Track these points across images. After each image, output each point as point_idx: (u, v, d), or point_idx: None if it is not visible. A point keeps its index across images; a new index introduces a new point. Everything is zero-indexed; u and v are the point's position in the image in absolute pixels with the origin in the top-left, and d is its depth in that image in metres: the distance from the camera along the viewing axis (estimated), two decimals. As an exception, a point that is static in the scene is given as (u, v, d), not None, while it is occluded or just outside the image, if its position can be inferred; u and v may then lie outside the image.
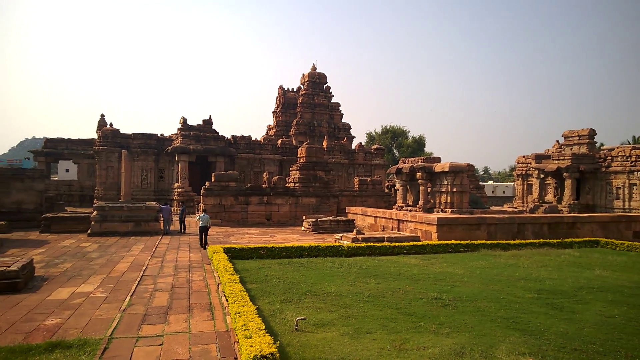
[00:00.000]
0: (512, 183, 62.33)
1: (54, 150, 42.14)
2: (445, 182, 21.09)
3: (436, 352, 6.43)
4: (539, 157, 35.78)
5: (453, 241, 16.89)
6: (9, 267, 10.28)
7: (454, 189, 20.73)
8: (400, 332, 7.26)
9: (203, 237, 17.47)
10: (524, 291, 10.37)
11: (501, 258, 15.03)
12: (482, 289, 10.55)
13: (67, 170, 62.77)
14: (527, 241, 17.97)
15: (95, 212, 21.25)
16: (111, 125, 39.60)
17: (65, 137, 43.24)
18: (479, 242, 17.17)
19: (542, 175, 34.35)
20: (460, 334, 7.28)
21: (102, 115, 41.61)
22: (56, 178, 54.22)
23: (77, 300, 9.34)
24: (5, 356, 6.05)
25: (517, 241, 17.81)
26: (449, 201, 20.96)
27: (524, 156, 39.01)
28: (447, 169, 20.71)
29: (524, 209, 31.45)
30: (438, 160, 23.34)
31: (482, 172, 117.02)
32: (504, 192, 65.71)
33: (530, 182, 37.69)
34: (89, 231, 20.56)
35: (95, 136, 40.25)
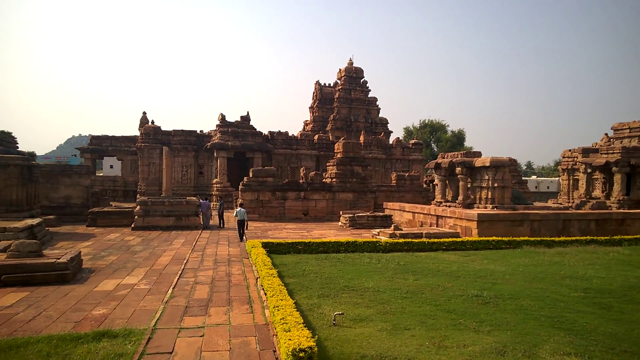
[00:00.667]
0: (557, 178, 60.39)
1: (99, 147, 43.62)
2: (486, 177, 20.61)
3: (477, 350, 6.31)
4: (586, 151, 34.47)
5: (494, 238, 16.51)
6: (59, 259, 10.73)
7: (495, 184, 20.24)
8: (439, 329, 7.16)
9: (241, 231, 18.19)
10: (570, 290, 10.03)
11: (545, 255, 14.59)
12: (524, 286, 10.27)
13: (111, 167, 64.93)
14: (573, 238, 17.36)
15: (138, 207, 21.89)
16: (153, 122, 40.64)
17: (110, 135, 44.66)
18: (522, 238, 16.72)
19: (589, 170, 33.08)
20: (501, 332, 7.12)
21: (144, 113, 42.73)
22: (101, 174, 56.15)
23: (122, 291, 9.66)
24: (56, 344, 6.32)
25: (562, 238, 17.24)
26: (489, 197, 20.49)
27: (570, 150, 37.69)
28: (488, 164, 20.23)
29: (570, 205, 30.40)
30: (478, 154, 22.82)
31: (524, 167, 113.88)
32: (548, 187, 63.70)
33: (576, 177, 36.39)
34: (132, 225, 21.21)
35: (138, 133, 41.42)
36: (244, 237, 17.99)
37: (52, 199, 25.14)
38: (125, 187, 42.54)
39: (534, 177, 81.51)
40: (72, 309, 8.31)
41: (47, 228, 18.26)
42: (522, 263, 13.18)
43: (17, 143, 31.07)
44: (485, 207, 20.35)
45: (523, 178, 42.85)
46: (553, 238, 17.13)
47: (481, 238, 16.57)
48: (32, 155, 41.75)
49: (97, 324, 7.44)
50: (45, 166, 26.18)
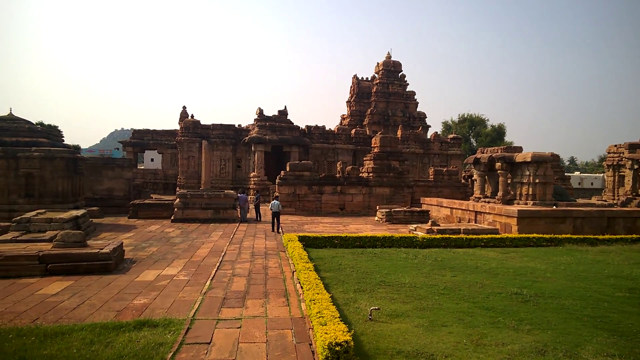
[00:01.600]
0: (602, 174, 58.10)
1: (140, 140, 44.79)
2: (527, 173, 20.03)
3: (516, 349, 6.15)
4: (633, 146, 32.97)
5: (535, 235, 16.05)
6: (102, 249, 11.08)
7: (537, 180, 19.65)
8: (477, 327, 7.02)
9: (275, 221, 19.00)
10: (614, 289, 9.65)
11: (588, 254, 14.08)
12: (566, 285, 9.94)
13: (152, 160, 66.56)
14: (618, 236, 16.68)
15: (177, 199, 22.38)
16: (192, 116, 41.39)
17: (151, 129, 45.76)
18: (564, 236, 16.19)
19: (636, 166, 31.68)
20: (542, 331, 6.91)
21: (184, 107, 43.55)
22: (142, 167, 57.69)
23: (162, 282, 9.90)
24: (99, 331, 6.53)
25: (606, 236, 16.58)
26: (530, 193, 19.91)
27: (615, 145, 36.13)
28: (529, 159, 19.65)
29: (615, 202, 29.21)
30: (519, 149, 22.22)
31: (567, 163, 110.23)
32: (592, 183, 61.40)
33: (622, 173, 34.89)
34: (172, 217, 21.72)
35: (178, 127, 42.28)
36: (279, 228, 18.60)
37: (95, 191, 26.03)
38: (165, 180, 43.59)
39: (577, 173, 78.78)
40: (114, 298, 8.57)
41: (90, 219, 18.91)
42: (564, 261, 12.76)
43: (63, 137, 32.25)
44: (526, 204, 19.81)
45: (566, 174, 41.41)
46: (597, 236, 16.51)
47: (521, 235, 16.14)
48: (77, 148, 43.30)
49: (138, 314, 7.64)
50: (90, 159, 27.10)
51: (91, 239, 14.61)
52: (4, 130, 25.81)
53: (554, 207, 19.11)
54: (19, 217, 15.25)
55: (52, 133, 30.38)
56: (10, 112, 28.27)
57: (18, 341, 6.07)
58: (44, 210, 17.02)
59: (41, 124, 54.18)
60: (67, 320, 7.24)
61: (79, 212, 17.25)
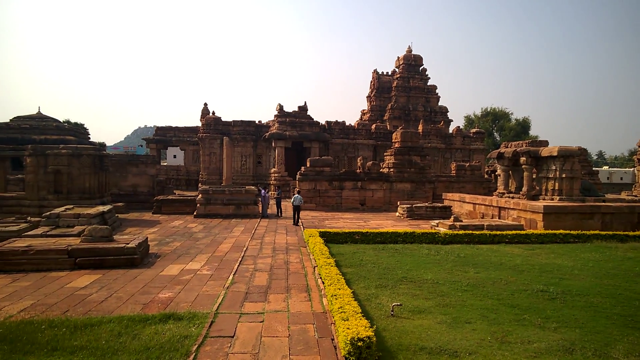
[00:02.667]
0: (632, 169, 56.66)
1: (163, 137, 45.43)
2: (553, 168, 19.65)
3: (542, 347, 6.07)
4: (663, 140, 32.07)
5: (561, 231, 15.75)
6: (128, 244, 11.30)
7: (563, 175, 19.26)
8: (502, 324, 6.94)
9: (296, 215, 20.13)
10: (645, 287, 9.42)
11: (618, 250, 13.77)
12: (594, 283, 9.75)
13: (174, 156, 67.48)
14: (649, 233, 16.26)
15: (200, 195, 22.64)
16: (214, 113, 41.76)
17: (173, 126, 46.38)
18: (592, 232, 15.84)
19: (666, 160, 30.81)
20: (569, 329, 6.80)
21: (206, 104, 43.95)
22: (165, 163, 58.51)
23: (186, 276, 10.05)
24: (126, 324, 6.68)
25: (637, 232, 16.16)
26: (556, 188, 19.54)
27: (645, 139, 35.20)
28: (555, 153, 19.27)
29: (644, 197, 28.46)
30: (545, 144, 21.79)
31: (595, 157, 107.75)
32: (621, 178, 59.86)
33: (652, 168, 33.99)
34: (194, 213, 22.00)
35: (200, 124, 42.72)
36: (299, 221, 19.75)
37: (120, 187, 26.51)
38: (187, 176, 44.15)
39: (605, 167, 76.94)
40: (140, 292, 8.74)
41: (116, 214, 19.29)
42: (592, 258, 12.51)
43: (89, 134, 32.93)
44: (552, 199, 19.45)
45: (594, 169, 40.54)
46: (627, 232, 16.11)
47: (547, 231, 15.86)
48: (102, 145, 44.13)
49: (163, 307, 7.78)
50: (115, 156, 27.63)
51: (117, 234, 14.91)
52: (33, 129, 26.45)
53: (582, 202, 18.72)
54: (48, 213, 15.64)
55: (78, 131, 31.04)
56: (39, 111, 28.94)
57: (50, 332, 6.24)
58: (72, 206, 17.41)
59: (68, 122, 55.33)
60: (96, 312, 7.42)
61: (106, 208, 17.59)
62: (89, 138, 31.39)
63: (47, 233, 13.46)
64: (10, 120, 27.77)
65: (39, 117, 28.00)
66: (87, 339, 6.08)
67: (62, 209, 16.43)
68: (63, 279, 9.65)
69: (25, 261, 10.39)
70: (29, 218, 16.83)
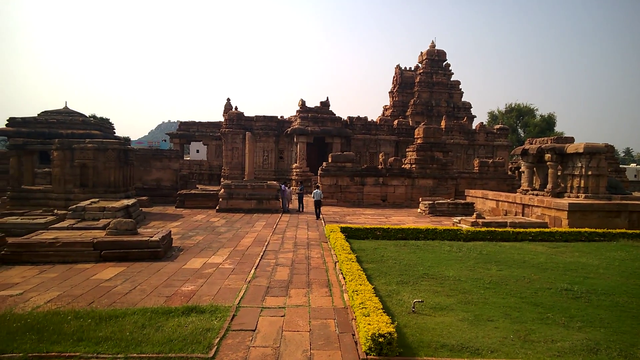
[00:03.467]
0: (660, 166, 55.10)
1: (186, 132, 45.92)
2: (579, 165, 19.24)
3: (566, 347, 5.97)
4: (695, 137, 31.11)
5: (586, 229, 15.44)
6: (152, 237, 11.49)
7: (589, 172, 18.85)
8: (525, 322, 6.85)
9: (317, 209, 20.84)
10: (674, 288, 9.17)
11: (645, 249, 13.43)
12: (621, 282, 9.53)
13: (197, 151, 68.27)
14: (678, 232, 15.81)
15: (222, 190, 22.85)
16: (236, 108, 42.02)
17: (196, 121, 46.82)
18: (618, 231, 15.50)
19: (699, 158, 29.89)
20: (594, 329, 6.67)
21: (228, 99, 44.25)
22: (188, 158, 59.19)
23: (208, 270, 10.17)
24: (150, 316, 6.79)
25: (665, 231, 15.76)
26: (582, 185, 19.14)
27: (676, 136, 34.23)
28: (581, 150, 18.86)
29: (675, 195, 27.66)
30: (570, 140, 21.36)
31: (622, 154, 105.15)
32: (649, 176, 58.32)
33: (683, 166, 33.02)
34: (217, 207, 22.22)
35: (222, 119, 43.05)
36: (321, 215, 20.55)
37: (144, 181, 26.93)
38: (210, 170, 44.59)
39: (633, 165, 75.00)
40: (163, 285, 8.87)
41: (140, 208, 19.59)
42: (619, 257, 12.23)
43: (114, 129, 33.48)
44: (577, 197, 19.06)
45: (621, 166, 39.49)
46: (655, 231, 15.69)
47: (572, 229, 15.56)
48: (127, 140, 44.83)
49: (186, 300, 7.89)
50: (139, 150, 28.05)
51: (141, 227, 15.16)
52: (60, 123, 27.02)
53: (608, 200, 18.31)
54: (74, 206, 15.99)
55: (104, 125, 31.57)
56: (66, 106, 29.54)
57: (76, 323, 6.39)
58: (97, 199, 17.77)
59: (94, 116, 56.40)
60: (120, 304, 7.56)
61: (130, 202, 17.90)
62: (114, 132, 31.92)
63: (73, 226, 13.77)
64: (38, 114, 28.42)
65: (66, 112, 28.59)
66: (111, 330, 6.20)
67: (88, 202, 16.77)
68: (88, 270, 9.87)
69: (52, 253, 10.65)
70: (55, 211, 17.23)
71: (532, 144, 22.81)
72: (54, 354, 5.52)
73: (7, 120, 27.80)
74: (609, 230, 15.54)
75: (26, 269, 9.91)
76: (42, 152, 27.34)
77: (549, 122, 68.43)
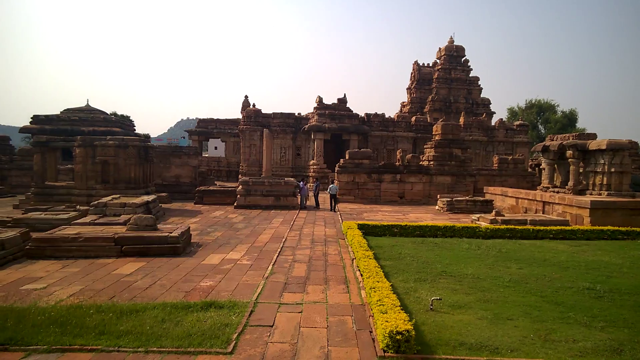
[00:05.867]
0: (686, 163, 53.74)
1: (205, 129, 46.27)
2: (602, 162, 18.87)
3: (588, 346, 5.87)
4: None
5: (609, 227, 15.14)
6: (171, 233, 11.62)
7: (612, 169, 18.48)
8: (545, 322, 6.76)
9: (332, 202, 22.43)
10: (701, 288, 8.95)
11: (670, 248, 13.13)
12: (645, 281, 9.34)
13: (215, 148, 68.69)
14: None
15: (240, 186, 23.00)
16: (254, 105, 42.18)
17: (215, 118, 47.14)
18: (642, 229, 15.16)
19: None
20: (617, 329, 6.55)
21: (246, 97, 44.44)
22: (207, 155, 59.61)
23: (226, 265, 10.25)
24: (169, 310, 6.88)
25: (691, 230, 15.37)
26: (605, 183, 18.77)
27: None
28: (604, 147, 18.50)
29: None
30: (593, 136, 20.94)
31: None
32: (674, 173, 56.91)
33: None
34: (235, 203, 22.37)
35: (240, 116, 43.26)
36: (336, 208, 21.82)
37: (164, 177, 27.23)
38: (228, 167, 44.87)
39: (658, 161, 73.16)
40: (182, 280, 8.98)
41: (160, 204, 19.82)
42: (643, 256, 11.97)
43: (135, 126, 33.87)
44: (600, 194, 18.71)
45: (645, 163, 38.65)
46: (681, 230, 15.32)
47: (594, 227, 15.28)
48: (147, 137, 45.36)
49: (205, 295, 7.97)
50: (159, 147, 28.37)
51: (161, 223, 15.32)
52: (82, 121, 27.46)
53: (632, 197, 17.93)
54: (96, 202, 16.26)
55: (124, 123, 31.97)
56: (88, 104, 30.00)
57: (97, 316, 6.51)
58: (118, 195, 18.03)
59: (115, 114, 57.11)
60: (141, 299, 7.68)
61: (150, 198, 18.12)
62: (135, 130, 32.29)
63: (95, 221, 14.00)
64: (61, 112, 28.90)
65: (88, 110, 29.01)
66: (132, 324, 6.30)
67: (109, 198, 17.03)
68: (110, 265, 10.03)
69: (74, 248, 10.85)
70: (78, 206, 17.54)
71: (553, 140, 22.45)
72: (77, 346, 5.64)
73: (31, 118, 28.35)
74: (633, 228, 15.21)
75: (50, 264, 10.12)
76: (65, 149, 27.80)
77: (570, 119, 67.21)
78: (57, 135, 24.39)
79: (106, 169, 20.74)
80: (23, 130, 28.92)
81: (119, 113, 62.52)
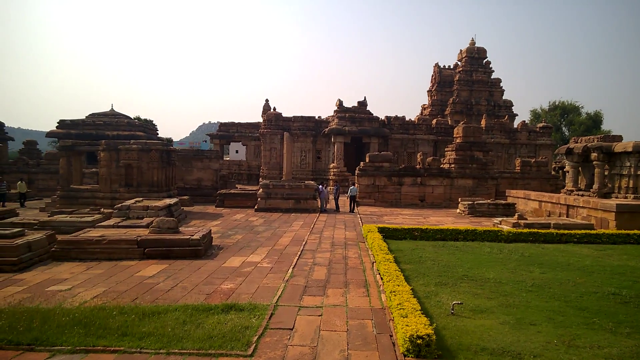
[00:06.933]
0: None
1: (226, 133, 46.73)
2: (628, 164, 18.47)
3: (614, 353, 5.74)
4: None
5: (636, 231, 14.79)
6: (193, 236, 11.75)
7: (639, 172, 18.08)
8: (569, 327, 6.63)
9: (352, 204, 23.19)
10: None
11: (700, 253, 12.75)
12: (674, 287, 9.08)
13: (236, 152, 69.15)
14: None
15: (261, 189, 23.14)
16: (274, 109, 42.46)
17: (236, 121, 47.58)
18: (671, 233, 14.76)
19: None
20: (644, 336, 6.39)
21: (267, 100, 44.80)
22: (228, 158, 60.13)
23: (247, 268, 10.32)
24: (191, 313, 6.96)
25: None
26: (631, 185, 18.36)
27: None
28: (630, 149, 18.10)
29: None
30: (618, 139, 20.52)
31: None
32: None
33: None
34: (255, 207, 22.52)
35: (261, 120, 43.59)
36: (355, 208, 22.37)
37: (186, 180, 27.57)
38: (249, 170, 45.21)
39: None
40: (204, 282, 9.07)
41: (182, 207, 20.08)
42: (672, 261, 11.65)
43: (157, 130, 34.41)
44: (625, 197, 18.30)
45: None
46: None
47: (620, 231, 14.94)
48: (169, 141, 46.02)
49: (226, 297, 8.04)
50: (181, 151, 28.75)
51: (182, 226, 15.54)
52: (106, 125, 28.02)
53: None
54: (119, 205, 16.56)
55: (147, 127, 32.50)
56: (112, 108, 30.58)
57: (120, 318, 6.62)
58: (141, 199, 18.32)
59: (138, 118, 58.09)
60: (163, 300, 7.79)
61: (172, 201, 18.37)
62: (157, 134, 32.82)
63: (119, 224, 14.25)
64: (86, 117, 29.56)
65: (112, 114, 29.59)
66: (154, 326, 6.39)
67: (132, 201, 17.31)
68: (132, 267, 10.20)
69: (98, 250, 11.07)
70: (102, 209, 17.89)
71: (577, 142, 22.06)
72: (100, 347, 5.74)
73: (58, 123, 29.06)
74: (661, 232, 14.83)
75: (74, 265, 10.34)
76: (90, 153, 28.40)
77: (595, 120, 65.91)
78: (83, 140, 24.95)
79: (130, 172, 21.10)
80: (50, 134, 29.63)
81: (143, 117, 63.58)
